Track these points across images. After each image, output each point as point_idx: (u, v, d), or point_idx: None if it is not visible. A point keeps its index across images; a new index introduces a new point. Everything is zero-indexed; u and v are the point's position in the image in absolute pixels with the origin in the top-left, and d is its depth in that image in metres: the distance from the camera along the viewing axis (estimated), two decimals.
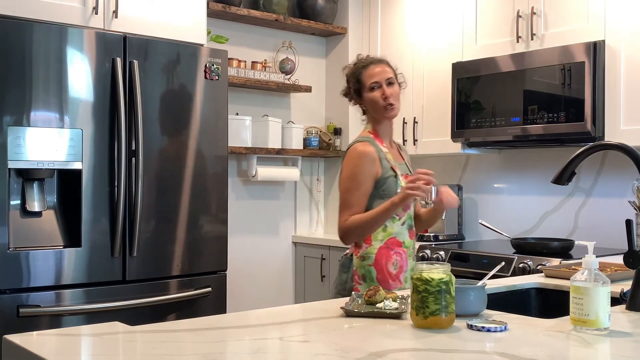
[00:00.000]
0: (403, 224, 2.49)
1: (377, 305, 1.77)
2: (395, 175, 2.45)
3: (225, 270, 3.26)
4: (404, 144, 4.09)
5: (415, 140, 4.04)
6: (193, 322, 1.68)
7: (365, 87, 2.51)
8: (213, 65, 3.20)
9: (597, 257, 1.63)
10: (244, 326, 1.67)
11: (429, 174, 2.32)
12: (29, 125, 2.73)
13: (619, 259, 2.32)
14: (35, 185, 2.82)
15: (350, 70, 2.57)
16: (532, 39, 3.43)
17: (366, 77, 2.50)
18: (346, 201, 2.46)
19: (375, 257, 2.43)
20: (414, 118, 4.04)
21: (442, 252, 3.39)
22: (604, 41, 3.16)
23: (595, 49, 3.14)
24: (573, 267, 2.49)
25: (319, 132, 4.40)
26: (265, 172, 4.12)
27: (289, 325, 1.69)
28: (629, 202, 2.95)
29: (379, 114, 2.51)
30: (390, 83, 2.50)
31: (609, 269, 2.41)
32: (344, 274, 2.52)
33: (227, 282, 3.27)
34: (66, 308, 2.77)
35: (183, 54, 3.12)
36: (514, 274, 2.97)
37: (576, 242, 3.22)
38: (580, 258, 1.77)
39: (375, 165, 2.44)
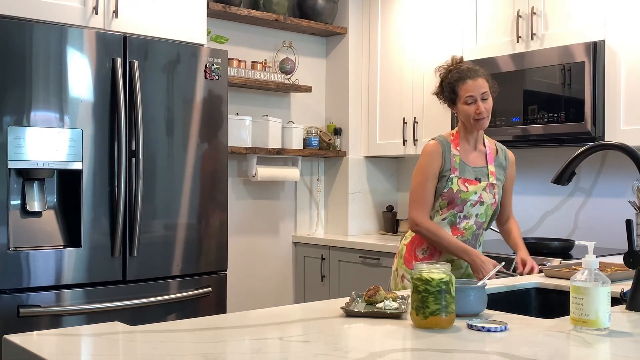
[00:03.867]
0: (444, 219, 2.62)
1: (377, 305, 1.77)
2: (450, 176, 2.60)
3: (225, 270, 3.26)
4: (404, 144, 4.10)
5: (415, 140, 4.04)
6: (193, 322, 1.68)
7: (460, 99, 2.62)
8: (213, 65, 3.20)
9: (597, 257, 1.63)
10: (244, 326, 1.67)
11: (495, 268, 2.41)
12: (29, 125, 2.73)
13: (619, 259, 2.32)
14: (35, 185, 2.82)
15: (446, 77, 2.67)
16: (532, 39, 3.43)
17: (462, 90, 2.61)
18: (416, 194, 2.65)
19: (411, 238, 2.69)
20: (414, 118, 4.04)
21: None
22: (604, 41, 3.16)
23: (595, 49, 3.14)
24: (573, 267, 2.49)
25: (319, 132, 4.40)
26: (265, 172, 4.12)
27: (289, 325, 1.69)
28: (629, 202, 2.95)
29: (469, 124, 2.65)
30: (484, 99, 2.61)
31: (609, 269, 2.41)
32: None
33: (227, 282, 3.27)
34: (66, 308, 2.77)
35: (183, 54, 3.12)
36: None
37: (576, 242, 3.22)
38: (580, 258, 1.77)
39: (439, 162, 2.62)
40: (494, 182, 2.67)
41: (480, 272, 2.48)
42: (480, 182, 2.63)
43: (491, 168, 2.69)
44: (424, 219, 2.61)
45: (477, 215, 2.64)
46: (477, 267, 2.51)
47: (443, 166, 2.63)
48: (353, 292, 1.91)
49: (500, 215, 2.79)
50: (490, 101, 2.64)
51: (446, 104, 2.72)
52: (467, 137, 2.69)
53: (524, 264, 2.62)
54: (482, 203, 2.63)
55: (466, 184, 2.61)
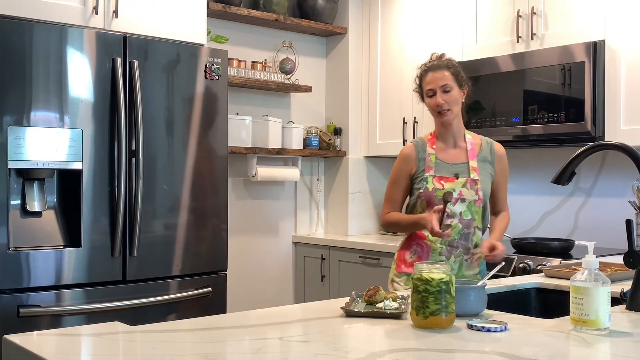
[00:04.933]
0: None
1: (377, 305, 1.77)
2: (425, 175, 2.60)
3: (225, 270, 3.26)
4: (404, 143, 4.10)
5: None
6: (193, 322, 1.68)
7: (424, 92, 2.65)
8: (213, 65, 3.20)
9: (597, 257, 1.63)
10: (244, 326, 1.67)
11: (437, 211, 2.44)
12: (29, 125, 2.73)
13: (619, 259, 2.32)
14: (36, 185, 2.82)
15: (418, 73, 2.70)
16: (532, 39, 3.43)
17: (425, 83, 2.63)
18: (386, 193, 2.73)
19: (402, 243, 2.70)
20: (414, 118, 4.04)
21: None
22: (604, 41, 3.16)
23: (595, 49, 3.14)
24: (573, 267, 2.49)
25: (319, 132, 4.40)
26: (265, 172, 4.12)
27: (289, 325, 1.69)
28: (629, 202, 2.95)
29: (435, 119, 2.66)
30: (445, 91, 2.58)
31: (609, 269, 2.41)
32: None
33: (227, 282, 3.27)
34: (66, 308, 2.77)
35: (183, 54, 3.12)
36: (514, 274, 2.97)
37: (576, 242, 3.22)
38: (580, 258, 1.77)
39: (409, 165, 2.65)
40: (476, 177, 2.59)
41: (427, 226, 2.42)
42: (458, 178, 2.58)
43: (473, 163, 2.62)
44: (384, 213, 2.69)
45: (460, 213, 2.56)
46: (423, 225, 2.46)
47: (417, 168, 2.63)
48: (353, 292, 1.91)
49: (491, 209, 2.70)
50: (454, 94, 2.60)
51: (423, 102, 2.71)
52: (443, 134, 2.67)
53: (490, 248, 2.44)
54: (463, 200, 2.56)
55: (442, 181, 2.57)
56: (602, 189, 3.52)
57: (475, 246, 2.59)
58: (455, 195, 2.55)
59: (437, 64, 2.64)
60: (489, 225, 2.75)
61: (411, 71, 4.07)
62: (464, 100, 2.65)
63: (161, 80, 3.06)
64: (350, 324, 1.66)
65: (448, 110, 2.59)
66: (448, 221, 2.53)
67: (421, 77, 2.66)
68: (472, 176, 2.59)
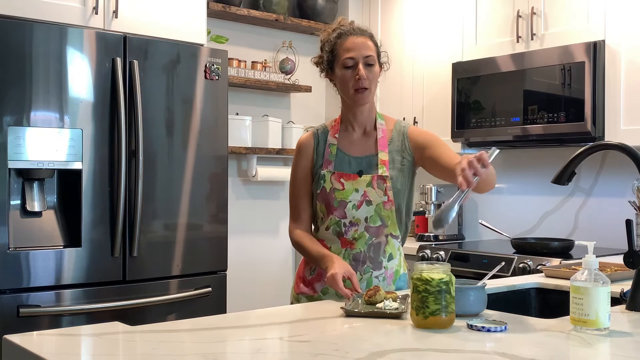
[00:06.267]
0: (328, 229, 2.13)
1: (378, 305, 1.77)
2: (322, 172, 2.12)
3: (225, 270, 3.26)
4: None
5: None
6: (193, 322, 1.68)
7: (338, 61, 2.08)
8: (213, 65, 3.20)
9: (597, 257, 1.62)
10: (244, 326, 1.67)
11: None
12: (29, 125, 2.73)
13: (619, 259, 2.32)
14: (35, 185, 2.82)
15: (327, 36, 2.14)
16: (532, 39, 3.43)
17: (342, 49, 2.07)
18: (289, 201, 2.23)
19: (304, 258, 2.22)
20: (414, 118, 4.04)
21: (442, 252, 3.39)
22: (604, 41, 3.16)
23: (595, 49, 3.14)
24: (573, 267, 2.49)
25: None
26: (265, 172, 4.12)
27: (289, 325, 1.69)
28: (629, 202, 2.95)
29: (347, 97, 2.12)
30: (369, 64, 2.07)
31: (609, 269, 2.41)
32: None
33: (227, 282, 3.26)
34: (66, 308, 2.77)
35: (183, 54, 3.12)
36: (514, 274, 2.97)
37: (576, 242, 3.22)
38: (580, 258, 1.77)
39: (306, 158, 2.17)
40: (385, 174, 2.08)
41: (332, 286, 1.93)
42: (361, 175, 2.09)
43: (382, 156, 2.11)
44: (291, 229, 2.19)
45: (366, 219, 2.08)
46: (328, 281, 1.94)
47: (315, 162, 2.15)
48: (353, 293, 1.91)
49: (450, 175, 1.94)
50: (375, 70, 2.08)
51: (326, 77, 2.18)
52: (351, 120, 2.16)
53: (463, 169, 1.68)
54: (368, 203, 2.07)
55: (342, 179, 2.09)
56: (602, 189, 3.52)
57: (390, 259, 2.11)
58: (358, 197, 2.08)
59: (360, 30, 2.11)
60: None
61: (411, 71, 4.08)
62: (379, 81, 2.16)
63: (161, 80, 3.06)
64: (350, 324, 1.66)
65: (367, 88, 2.07)
66: (352, 230, 2.08)
67: (334, 42, 2.10)
68: (380, 172, 2.09)
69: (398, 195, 2.10)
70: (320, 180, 2.12)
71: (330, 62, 2.12)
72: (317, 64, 2.19)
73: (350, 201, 2.08)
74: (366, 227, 2.08)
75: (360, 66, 2.05)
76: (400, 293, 1.91)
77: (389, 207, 2.09)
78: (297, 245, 2.17)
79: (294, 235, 2.18)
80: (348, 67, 2.06)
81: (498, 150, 1.71)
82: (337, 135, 2.16)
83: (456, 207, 1.64)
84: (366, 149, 2.14)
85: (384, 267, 2.10)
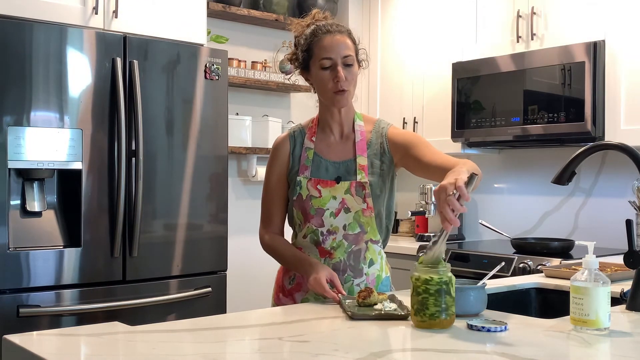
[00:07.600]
0: (305, 237, 2.05)
1: (376, 307, 1.75)
2: (298, 178, 2.05)
3: (225, 270, 3.26)
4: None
5: None
6: (193, 322, 1.68)
7: (315, 61, 1.99)
8: (213, 65, 3.20)
9: (597, 257, 1.62)
10: (244, 326, 1.67)
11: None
12: (29, 125, 2.73)
13: (619, 259, 2.32)
14: (35, 185, 2.82)
15: (301, 32, 2.06)
16: (532, 39, 3.43)
17: (319, 48, 1.97)
18: (261, 205, 2.15)
19: (282, 266, 2.17)
20: (414, 118, 4.04)
21: None
22: (604, 41, 3.16)
23: (595, 49, 3.14)
24: (573, 267, 2.49)
25: None
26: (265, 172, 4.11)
27: (289, 325, 1.69)
28: (629, 202, 2.95)
29: (325, 98, 2.02)
30: (347, 64, 1.97)
31: (609, 269, 2.41)
32: None
33: (227, 282, 3.26)
34: (66, 308, 2.76)
35: (183, 54, 3.12)
36: (514, 274, 2.97)
37: (576, 242, 3.22)
38: (580, 258, 1.77)
39: (281, 161, 2.09)
40: (364, 180, 2.00)
41: (316, 290, 1.89)
42: (339, 182, 2.01)
43: (361, 160, 2.02)
44: (262, 233, 2.13)
45: (344, 227, 2.00)
46: (311, 285, 1.90)
47: (290, 167, 2.07)
48: (340, 295, 1.86)
49: (438, 176, 1.83)
50: (354, 70, 1.98)
51: (300, 74, 2.08)
52: (328, 120, 2.06)
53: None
54: (347, 210, 2.00)
55: (319, 186, 2.01)
56: (602, 189, 3.52)
57: (371, 264, 2.05)
58: (336, 205, 2.00)
59: (337, 26, 1.99)
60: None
61: (411, 71, 4.08)
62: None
63: (161, 80, 3.06)
64: (350, 324, 1.66)
65: (347, 90, 1.96)
66: (330, 239, 2.00)
67: (310, 40, 1.99)
68: (359, 178, 2.01)
69: (377, 200, 2.03)
70: (296, 186, 2.03)
71: (306, 60, 2.02)
72: (290, 60, 2.10)
73: (328, 209, 2.00)
74: (345, 235, 2.01)
75: (339, 67, 1.95)
76: (388, 293, 1.89)
77: (369, 214, 2.01)
78: (270, 250, 2.11)
79: (266, 239, 2.11)
80: (326, 68, 1.97)
81: (477, 176, 1.65)
82: (314, 139, 2.07)
83: (444, 243, 1.64)
84: (344, 153, 2.05)
85: (365, 274, 2.04)
